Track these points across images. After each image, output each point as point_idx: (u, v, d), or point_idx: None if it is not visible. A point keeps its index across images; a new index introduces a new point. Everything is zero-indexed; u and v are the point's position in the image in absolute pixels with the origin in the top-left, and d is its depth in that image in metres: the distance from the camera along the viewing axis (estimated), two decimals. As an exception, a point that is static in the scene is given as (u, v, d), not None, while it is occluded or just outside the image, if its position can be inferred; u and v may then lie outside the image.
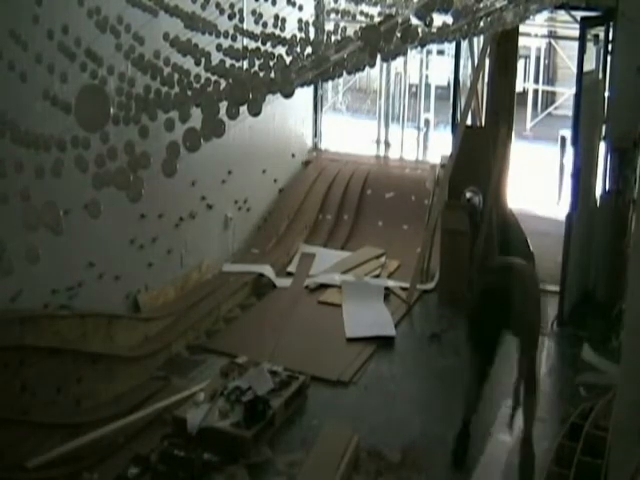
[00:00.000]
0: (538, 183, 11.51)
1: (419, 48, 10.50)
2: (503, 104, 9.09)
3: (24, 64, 4.40)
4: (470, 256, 8.84)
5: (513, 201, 9.57)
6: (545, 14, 13.61)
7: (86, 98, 2.40)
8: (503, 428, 6.17)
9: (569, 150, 8.39)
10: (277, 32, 5.24)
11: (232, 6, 5.19)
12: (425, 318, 8.59)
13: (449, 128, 9.76)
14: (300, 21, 5.51)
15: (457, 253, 8.70)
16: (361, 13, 6.82)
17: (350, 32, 4.53)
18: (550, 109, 17.46)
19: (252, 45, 5.02)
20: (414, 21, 3.49)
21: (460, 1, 4.30)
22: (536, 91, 17.51)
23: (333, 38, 5.02)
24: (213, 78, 4.05)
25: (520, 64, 13.57)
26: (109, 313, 6.84)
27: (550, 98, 18.14)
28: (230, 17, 5.24)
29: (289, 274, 9.27)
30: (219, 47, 4.95)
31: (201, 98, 3.14)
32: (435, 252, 9.00)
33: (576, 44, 8.39)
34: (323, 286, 8.94)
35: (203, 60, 4.51)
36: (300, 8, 5.63)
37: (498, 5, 5.13)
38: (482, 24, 5.30)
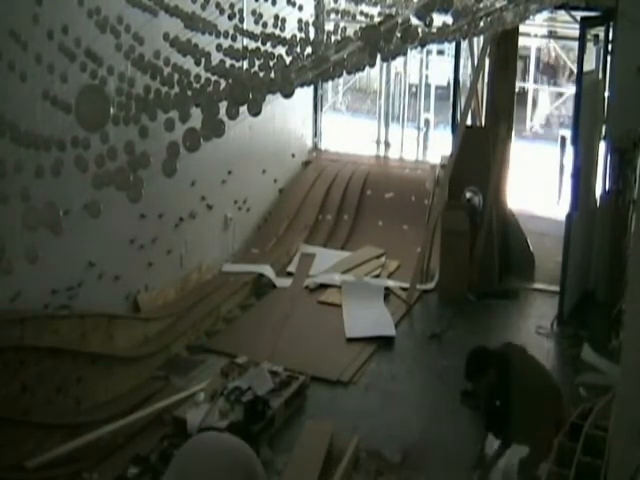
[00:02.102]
0: (538, 183, 11.50)
1: (419, 48, 10.49)
2: (503, 104, 9.10)
3: (24, 64, 4.40)
4: (470, 256, 8.86)
5: (513, 201, 9.59)
6: (545, 14, 13.59)
7: (86, 98, 2.40)
8: None
9: (569, 150, 8.38)
10: (277, 32, 5.24)
11: (232, 6, 5.19)
12: (425, 318, 8.59)
13: (449, 128, 9.76)
14: (300, 21, 5.51)
15: (457, 253, 8.71)
16: (361, 13, 6.82)
17: (350, 32, 4.53)
18: (550, 109, 17.45)
19: (252, 45, 5.02)
20: (414, 21, 3.49)
21: (460, 1, 4.30)
22: (536, 91, 17.51)
23: (333, 38, 5.02)
24: (213, 78, 4.05)
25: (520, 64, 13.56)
26: (109, 313, 6.84)
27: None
28: (230, 17, 5.24)
29: (289, 274, 9.27)
30: (219, 47, 4.95)
31: (201, 98, 3.14)
32: (435, 252, 9.00)
33: (576, 44, 8.39)
34: (323, 286, 8.94)
35: (203, 60, 4.51)
36: (300, 8, 5.63)
37: (498, 5, 5.14)
38: (482, 24, 5.30)
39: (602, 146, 8.69)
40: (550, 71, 17.15)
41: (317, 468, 5.59)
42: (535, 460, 5.48)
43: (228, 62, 4.59)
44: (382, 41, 3.02)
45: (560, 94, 16.61)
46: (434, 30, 4.38)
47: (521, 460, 5.65)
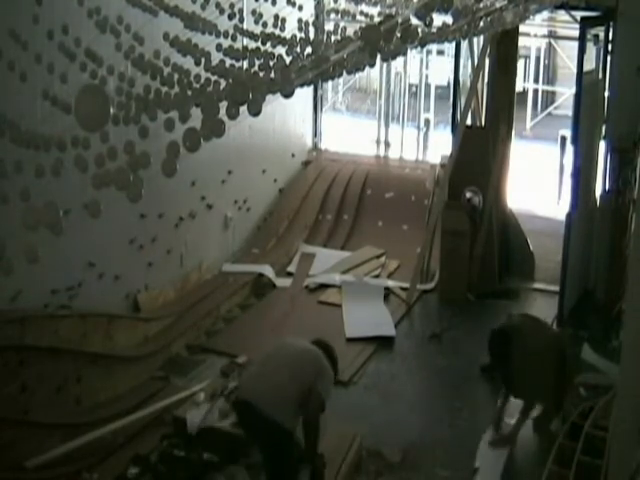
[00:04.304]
0: (538, 183, 11.50)
1: (419, 48, 10.50)
2: (503, 104, 9.10)
3: (24, 64, 4.41)
4: (470, 256, 8.86)
5: (513, 201, 9.59)
6: (545, 14, 13.62)
7: (86, 98, 2.40)
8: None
9: (569, 150, 8.38)
10: (277, 32, 5.24)
11: (232, 6, 5.20)
12: (425, 318, 8.59)
13: (449, 128, 9.76)
14: (300, 21, 5.52)
15: (457, 253, 8.71)
16: (361, 13, 6.83)
17: (350, 32, 4.53)
18: (550, 109, 17.47)
19: (252, 45, 5.02)
20: (414, 21, 3.49)
21: (460, 1, 4.30)
22: (536, 91, 17.53)
23: (333, 38, 5.02)
24: (213, 78, 4.05)
25: (520, 64, 13.57)
26: (109, 313, 6.84)
27: (550, 98, 18.15)
28: (230, 17, 5.24)
29: (289, 274, 9.27)
30: (219, 47, 4.95)
31: (201, 98, 3.14)
32: (435, 252, 8.99)
33: (576, 44, 8.39)
34: (323, 286, 8.94)
35: (203, 60, 4.51)
36: (300, 8, 5.64)
37: (498, 5, 5.14)
38: (482, 24, 5.30)
39: (602, 146, 8.69)
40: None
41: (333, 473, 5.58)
42: (548, 416, 6.17)
43: (228, 62, 4.59)
44: (382, 41, 3.02)
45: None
46: (434, 30, 4.38)
47: (536, 418, 6.18)
